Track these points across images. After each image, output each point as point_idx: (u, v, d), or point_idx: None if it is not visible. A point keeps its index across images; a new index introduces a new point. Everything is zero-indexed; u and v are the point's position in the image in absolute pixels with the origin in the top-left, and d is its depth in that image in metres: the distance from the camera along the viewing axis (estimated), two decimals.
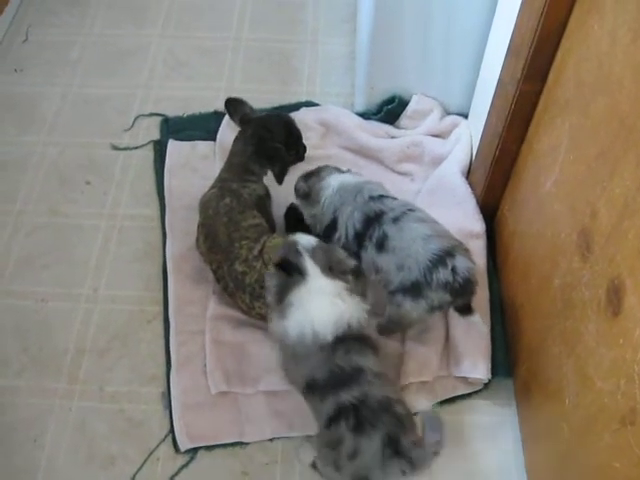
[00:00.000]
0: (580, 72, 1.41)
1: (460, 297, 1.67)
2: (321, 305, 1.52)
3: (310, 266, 1.54)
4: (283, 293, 1.55)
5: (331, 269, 1.56)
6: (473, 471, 1.71)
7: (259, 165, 1.94)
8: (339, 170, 1.92)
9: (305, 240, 1.61)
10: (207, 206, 1.87)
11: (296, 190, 1.93)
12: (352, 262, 1.61)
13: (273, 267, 1.58)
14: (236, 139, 1.99)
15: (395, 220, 1.69)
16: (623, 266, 1.18)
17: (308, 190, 1.88)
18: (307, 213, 1.92)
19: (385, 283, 1.73)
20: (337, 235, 1.80)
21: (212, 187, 1.93)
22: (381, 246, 1.69)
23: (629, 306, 1.16)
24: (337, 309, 1.51)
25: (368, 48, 2.18)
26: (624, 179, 1.19)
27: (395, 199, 1.77)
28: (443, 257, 1.61)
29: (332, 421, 1.47)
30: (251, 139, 1.94)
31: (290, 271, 1.54)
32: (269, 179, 1.98)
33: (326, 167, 1.93)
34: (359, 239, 1.74)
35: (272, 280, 1.58)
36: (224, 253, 1.78)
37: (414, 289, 1.64)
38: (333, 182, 1.85)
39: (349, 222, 1.76)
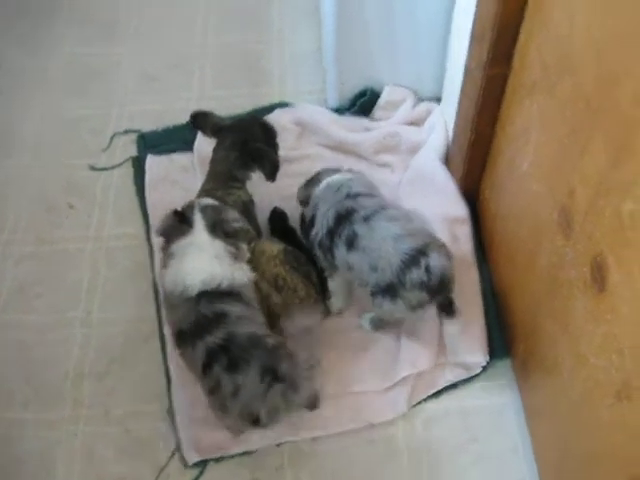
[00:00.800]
0: (543, 54, 1.42)
1: (438, 294, 1.66)
2: (195, 261, 1.59)
3: (197, 220, 1.61)
4: (170, 238, 1.63)
5: (215, 228, 1.61)
6: (482, 455, 1.73)
7: (244, 170, 1.94)
8: (336, 171, 1.90)
9: (205, 200, 1.71)
10: None
11: (298, 199, 1.93)
12: (239, 225, 1.66)
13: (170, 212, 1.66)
14: (216, 148, 1.98)
15: (366, 219, 1.68)
16: (603, 243, 1.20)
17: (306, 196, 1.88)
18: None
19: (359, 282, 1.74)
20: (314, 231, 1.80)
21: (197, 196, 1.92)
22: (351, 244, 1.69)
23: (613, 282, 1.17)
24: (209, 268, 1.57)
25: (334, 44, 2.18)
26: (595, 158, 1.21)
27: (374, 197, 1.76)
28: (416, 256, 1.60)
29: (206, 367, 1.52)
30: (232, 145, 1.93)
31: (180, 219, 1.62)
32: (251, 184, 1.98)
33: (325, 170, 1.91)
34: (331, 236, 1.74)
35: (162, 222, 1.66)
36: None
37: (390, 290, 1.64)
38: (323, 182, 1.85)
39: (324, 219, 1.76)
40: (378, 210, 1.70)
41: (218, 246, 1.62)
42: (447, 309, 1.71)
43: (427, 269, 1.60)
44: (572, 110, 1.29)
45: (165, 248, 1.66)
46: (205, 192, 1.90)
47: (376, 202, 1.74)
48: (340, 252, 1.72)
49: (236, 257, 1.64)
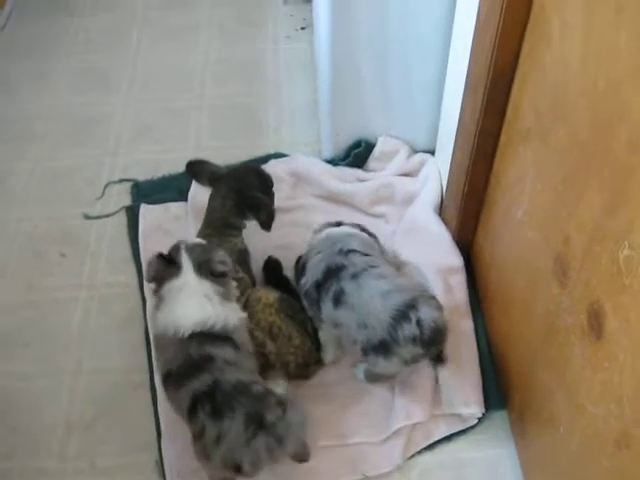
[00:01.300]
0: (537, 101, 1.44)
1: (433, 347, 1.65)
2: (187, 303, 1.58)
3: (185, 261, 1.61)
4: (160, 282, 1.63)
5: (201, 268, 1.61)
6: None
7: (240, 218, 1.94)
8: (339, 224, 1.91)
9: (192, 240, 1.72)
10: None
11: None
12: (223, 267, 1.65)
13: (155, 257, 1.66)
14: (212, 197, 1.98)
15: (354, 276, 1.68)
16: (600, 290, 1.19)
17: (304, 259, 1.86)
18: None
19: (347, 339, 1.73)
20: (303, 280, 1.79)
21: None
22: (337, 301, 1.68)
23: (610, 330, 1.16)
24: (201, 310, 1.57)
25: (329, 96, 2.21)
26: (590, 204, 1.21)
27: (367, 255, 1.75)
28: (405, 311, 1.59)
29: (191, 412, 1.50)
30: (228, 194, 1.93)
31: (168, 261, 1.62)
32: (246, 232, 1.98)
33: (326, 224, 1.92)
34: (318, 290, 1.73)
35: (151, 266, 1.65)
36: None
37: (383, 347, 1.62)
38: (324, 232, 1.86)
39: (314, 270, 1.76)
40: (366, 268, 1.69)
41: (206, 286, 1.62)
42: (437, 358, 1.72)
43: (418, 322, 1.59)
44: (567, 157, 1.30)
45: (156, 291, 1.66)
46: (203, 237, 1.90)
47: (367, 260, 1.73)
48: (327, 308, 1.72)
49: (225, 297, 1.63)
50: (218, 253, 1.68)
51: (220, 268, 1.65)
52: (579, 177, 1.26)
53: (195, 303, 1.59)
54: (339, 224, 1.91)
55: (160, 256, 1.67)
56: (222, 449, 1.47)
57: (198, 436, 1.51)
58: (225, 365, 1.53)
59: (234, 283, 1.71)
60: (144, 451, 1.80)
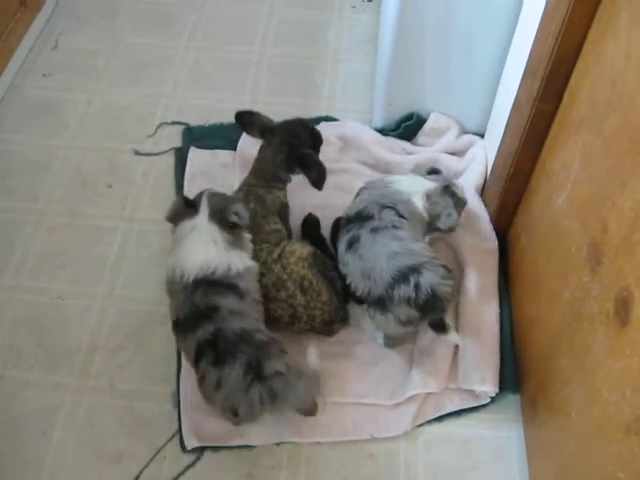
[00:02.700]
0: (594, 91, 1.44)
1: (429, 313, 1.70)
2: (193, 244, 1.63)
3: (203, 206, 1.66)
4: (176, 222, 1.69)
5: (215, 214, 1.66)
6: None
7: (287, 172, 1.96)
8: (435, 171, 2.00)
9: (216, 189, 1.78)
10: None
11: None
12: (236, 218, 1.68)
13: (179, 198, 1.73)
14: (263, 148, 1.99)
15: (374, 230, 1.76)
16: (632, 277, 1.20)
17: None
18: None
19: (350, 282, 1.79)
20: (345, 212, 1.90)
21: (238, 190, 1.96)
22: (350, 245, 1.78)
23: (637, 316, 1.17)
24: (206, 253, 1.61)
25: (389, 67, 2.22)
26: (634, 193, 1.22)
27: (400, 217, 1.80)
28: (406, 274, 1.67)
29: (197, 360, 1.55)
30: (280, 147, 1.94)
31: (189, 205, 1.68)
32: (288, 187, 2.01)
33: (421, 166, 2.05)
34: (347, 226, 1.83)
35: (173, 205, 1.71)
36: None
37: (380, 303, 1.71)
38: (394, 178, 1.95)
39: (353, 206, 1.86)
40: (388, 227, 1.76)
41: (215, 231, 1.66)
42: (438, 328, 1.76)
43: (416, 286, 1.66)
44: (616, 147, 1.31)
45: (173, 231, 1.72)
46: (247, 186, 1.93)
47: (395, 221, 1.78)
48: (341, 246, 1.82)
49: (233, 245, 1.67)
50: (236, 205, 1.72)
51: (233, 219, 1.69)
52: (626, 166, 1.26)
53: (202, 245, 1.64)
54: (435, 171, 1.98)
55: (183, 198, 1.72)
56: (221, 394, 1.53)
57: (201, 380, 1.57)
58: (229, 315, 1.58)
59: (247, 236, 1.75)
60: (162, 382, 1.86)
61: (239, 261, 1.66)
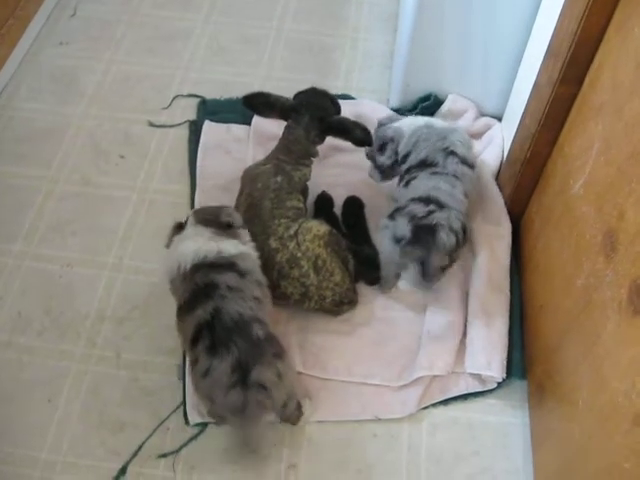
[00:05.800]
0: (617, 75, 1.41)
1: (417, 243, 1.74)
2: (184, 243, 1.67)
3: (190, 220, 1.72)
4: (170, 239, 1.75)
5: (205, 221, 1.70)
6: (482, 470, 1.70)
7: (316, 146, 1.98)
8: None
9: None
10: (257, 179, 1.90)
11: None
12: (229, 218, 1.73)
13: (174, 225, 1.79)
14: (291, 127, 1.96)
15: (434, 174, 1.83)
16: None
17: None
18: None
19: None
20: (391, 149, 1.96)
21: (264, 163, 1.94)
22: (407, 184, 1.86)
23: None
24: (194, 243, 1.65)
25: (408, 46, 2.19)
26: None
27: (463, 163, 1.87)
28: (430, 201, 1.75)
29: (193, 342, 1.55)
30: (311, 123, 1.94)
31: (181, 227, 1.74)
32: None
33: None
34: (407, 171, 1.90)
35: (168, 235, 1.76)
36: (262, 226, 1.81)
37: (396, 210, 1.80)
38: (422, 120, 1.99)
39: (417, 155, 1.90)
40: (449, 174, 1.84)
41: (201, 229, 1.69)
42: (423, 272, 1.80)
43: (428, 213, 1.73)
44: (637, 131, 1.28)
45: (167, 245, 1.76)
46: (276, 160, 1.92)
47: (457, 169, 1.85)
48: (396, 181, 1.96)
49: (224, 236, 1.68)
50: (227, 209, 1.76)
51: (226, 219, 1.71)
52: None
53: (191, 241, 1.67)
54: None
55: (177, 223, 1.77)
56: (206, 382, 1.52)
57: (193, 363, 1.56)
58: (228, 292, 1.57)
59: (244, 231, 1.76)
60: (168, 354, 1.86)
61: (231, 247, 1.67)
